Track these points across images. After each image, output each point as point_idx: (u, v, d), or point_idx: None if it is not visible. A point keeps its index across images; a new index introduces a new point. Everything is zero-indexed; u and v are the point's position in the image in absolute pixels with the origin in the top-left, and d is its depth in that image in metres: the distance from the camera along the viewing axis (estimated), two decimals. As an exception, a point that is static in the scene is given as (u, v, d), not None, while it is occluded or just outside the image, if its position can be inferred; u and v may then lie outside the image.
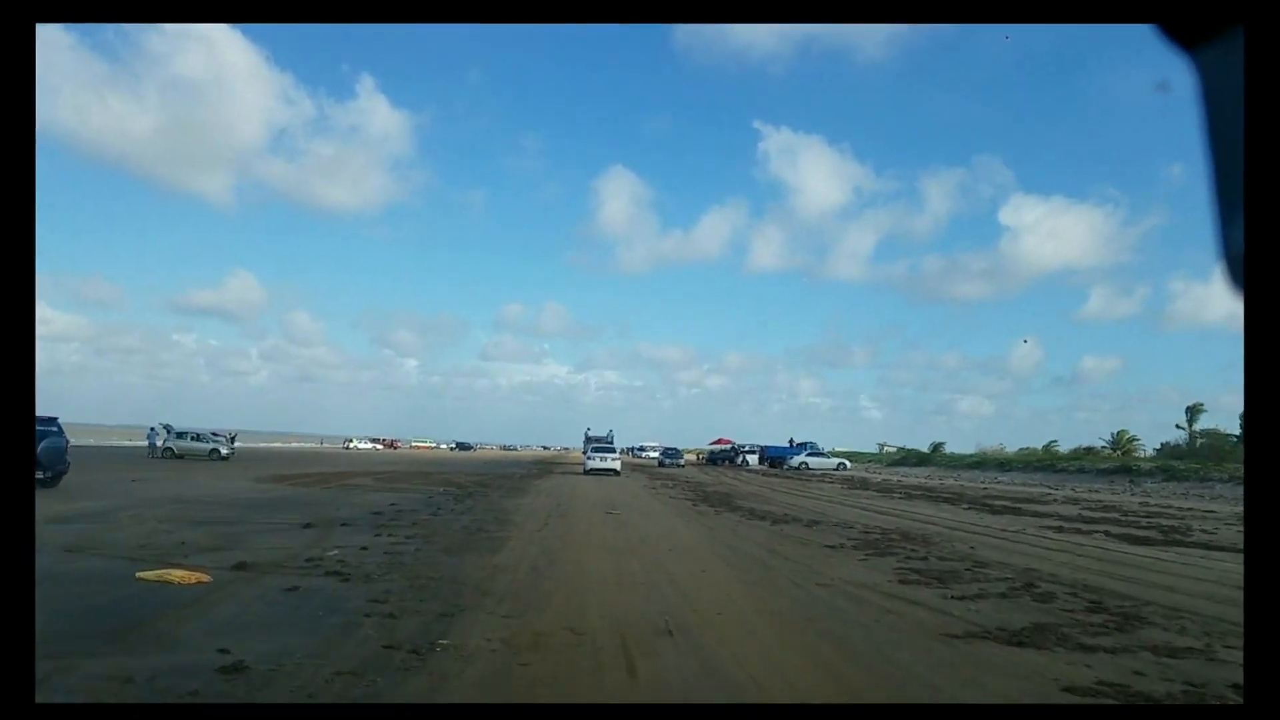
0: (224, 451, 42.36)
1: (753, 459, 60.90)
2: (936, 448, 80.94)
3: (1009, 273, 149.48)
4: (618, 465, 38.48)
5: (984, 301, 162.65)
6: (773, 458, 59.47)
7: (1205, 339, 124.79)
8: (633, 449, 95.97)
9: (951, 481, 43.86)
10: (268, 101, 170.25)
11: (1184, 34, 0.90)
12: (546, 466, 55.70)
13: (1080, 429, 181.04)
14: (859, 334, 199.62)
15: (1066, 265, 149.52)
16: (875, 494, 29.51)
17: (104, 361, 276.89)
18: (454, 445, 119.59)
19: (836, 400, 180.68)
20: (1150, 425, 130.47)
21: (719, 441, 72.83)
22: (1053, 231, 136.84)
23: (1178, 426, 61.42)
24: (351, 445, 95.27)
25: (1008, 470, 52.65)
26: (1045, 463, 51.70)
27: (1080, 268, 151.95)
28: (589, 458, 39.31)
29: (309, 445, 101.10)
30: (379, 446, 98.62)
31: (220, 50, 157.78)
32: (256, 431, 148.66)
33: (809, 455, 57.07)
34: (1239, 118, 0.86)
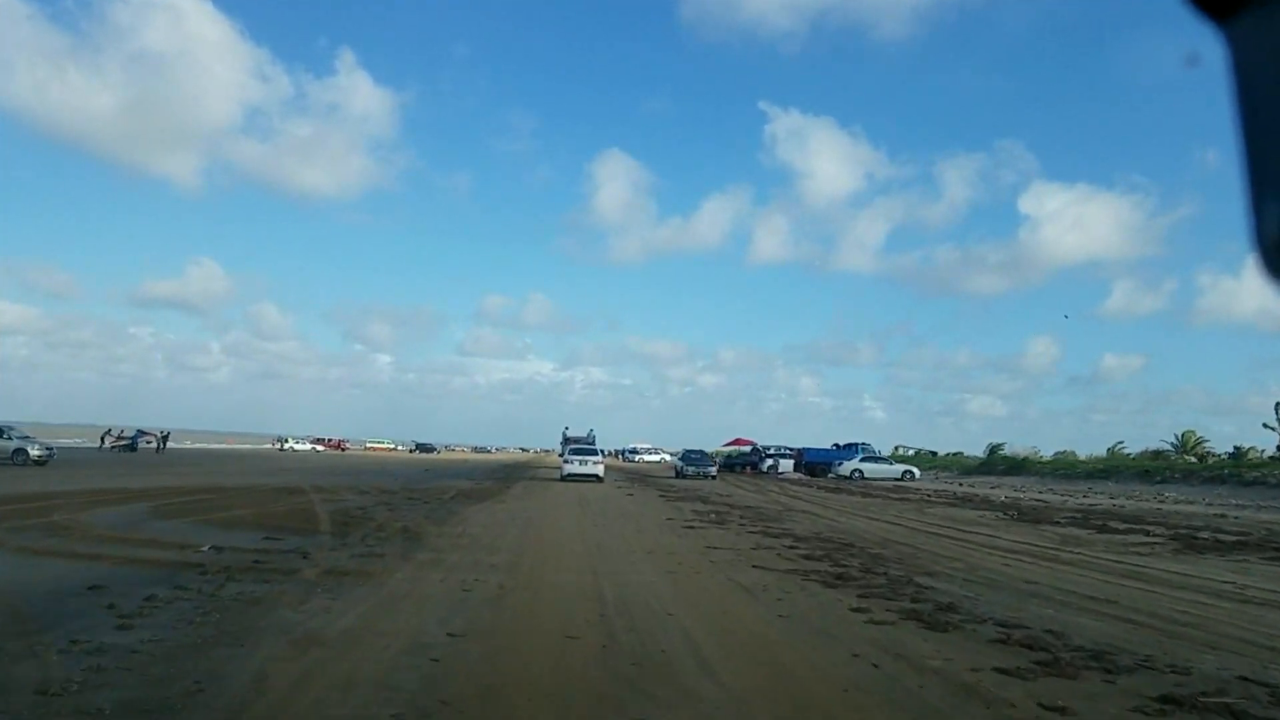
0: (34, 453, 29.15)
1: (787, 465, 47.50)
2: (995, 450, 68.19)
3: (1027, 265, 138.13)
4: (600, 470, 32.00)
5: (999, 296, 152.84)
6: (812, 463, 46.24)
7: (1234, 335, 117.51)
8: (624, 452, 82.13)
9: (1068, 497, 30.63)
10: (240, 77, 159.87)
11: (1215, 4, 0.82)
12: (515, 472, 42.99)
13: (1096, 431, 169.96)
14: (864, 330, 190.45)
15: (1089, 257, 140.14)
16: (1055, 533, 16.17)
17: (56, 356, 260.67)
18: (414, 447, 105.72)
19: (838, 400, 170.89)
20: (1172, 427, 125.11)
21: (737, 442, 59.40)
22: (1076, 221, 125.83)
23: (1266, 427, 51.66)
24: (287, 446, 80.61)
25: (1101, 478, 40.86)
26: (1125, 467, 41.30)
27: (1104, 260, 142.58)
28: (566, 461, 32.91)
29: (254, 446, 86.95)
30: (319, 448, 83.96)
31: (190, 21, 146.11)
32: (216, 432, 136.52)
33: (863, 460, 43.76)
34: (1274, 94, 0.79)
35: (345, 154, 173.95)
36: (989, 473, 48.73)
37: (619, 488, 28.78)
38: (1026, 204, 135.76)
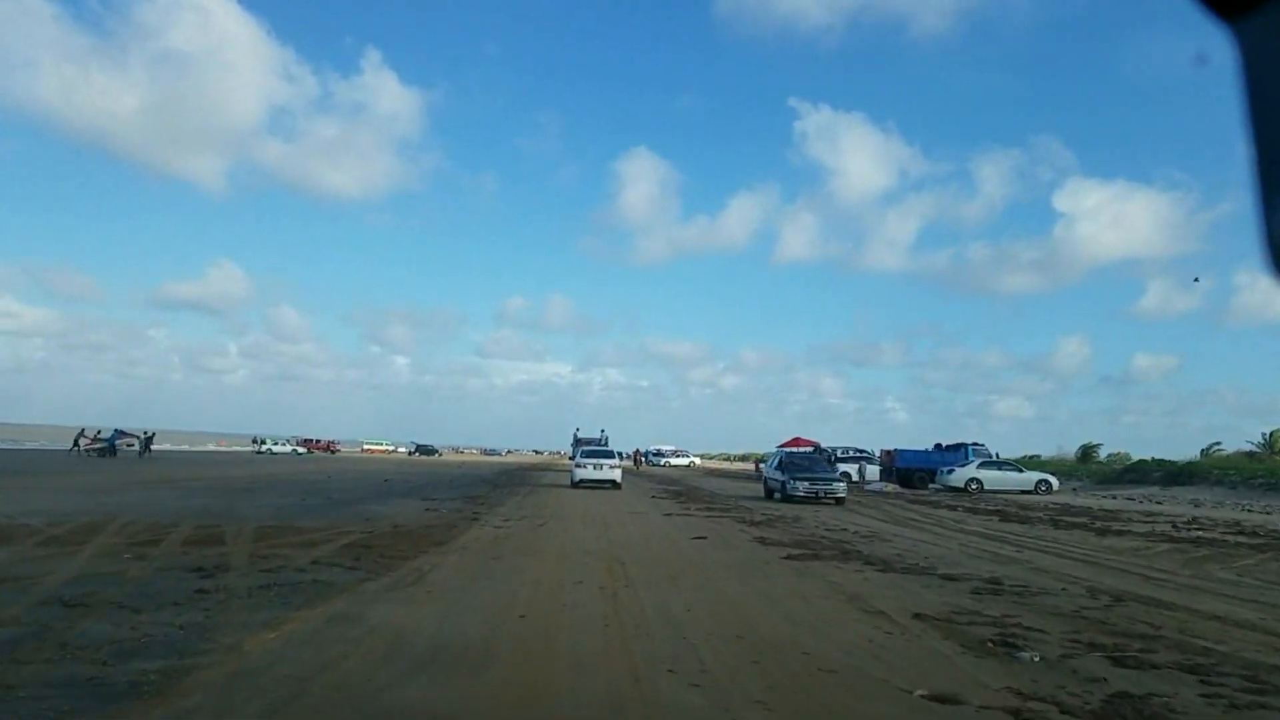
0: None
1: (872, 473, 36.09)
2: (1089, 451, 56.89)
3: (1061, 263, 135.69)
4: (617, 475, 27.87)
5: (1031, 295, 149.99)
6: (908, 470, 34.82)
7: (1270, 334, 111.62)
8: (649, 455, 70.38)
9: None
10: (266, 78, 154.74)
11: (1224, 4, 0.84)
12: (517, 480, 33.14)
13: (1127, 433, 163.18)
14: (891, 329, 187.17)
15: (1125, 255, 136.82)
16: None
17: (73, 359, 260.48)
18: (414, 448, 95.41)
19: (860, 401, 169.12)
20: (1205, 430, 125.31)
21: (795, 442, 47.82)
22: (1113, 218, 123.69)
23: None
24: (265, 448, 71.14)
25: (1264, 489, 30.09)
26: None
27: (1139, 258, 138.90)
28: (579, 465, 28.56)
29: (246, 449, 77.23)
30: (300, 450, 74.16)
31: (216, 21, 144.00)
32: (231, 434, 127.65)
33: (982, 467, 32.25)
34: None
35: (371, 154, 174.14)
36: (1138, 482, 36.90)
37: (671, 517, 17.65)
38: (1062, 201, 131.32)
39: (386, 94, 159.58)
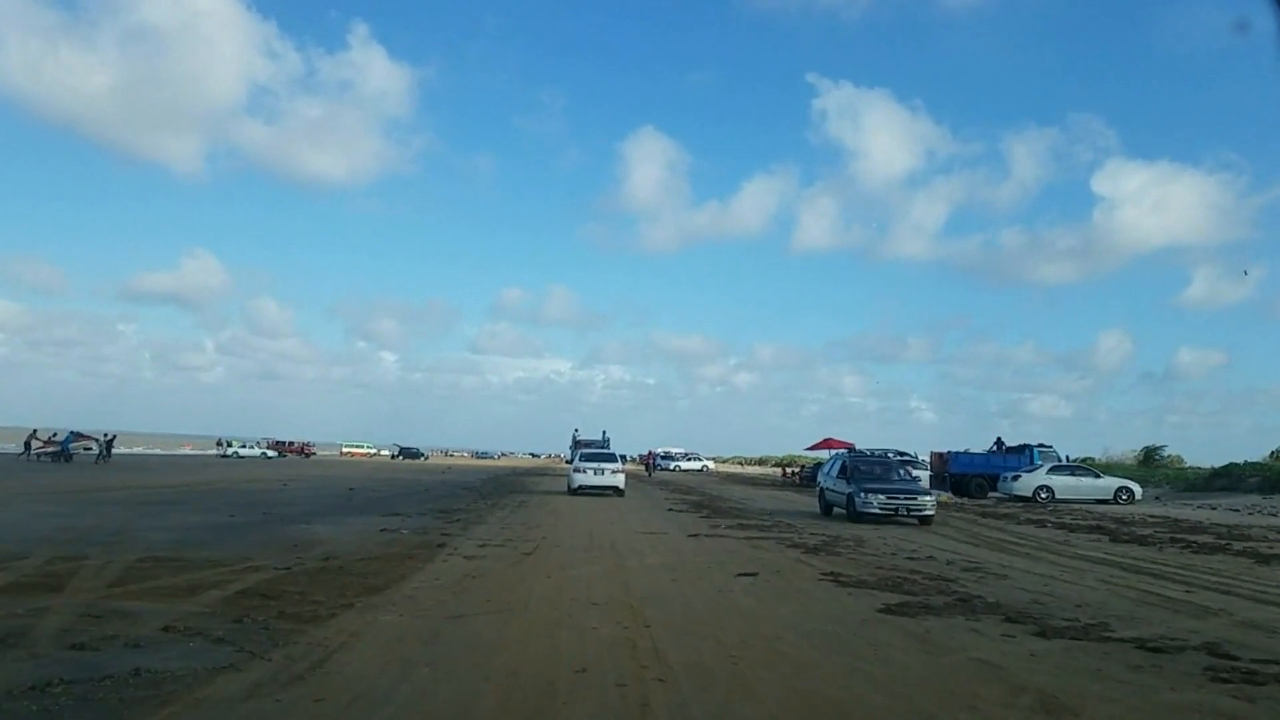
0: None
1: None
2: (1152, 454, 52.95)
3: (1100, 251, 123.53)
4: (620, 481, 25.61)
5: (1068, 285, 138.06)
6: (963, 475, 31.14)
7: None
8: (657, 459, 66.31)
9: None
10: (246, 54, 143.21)
11: None
12: (510, 487, 30.21)
13: (1171, 434, 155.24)
14: (917, 323, 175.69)
15: (1169, 242, 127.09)
16: None
17: (38, 355, 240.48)
18: (397, 451, 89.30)
19: (883, 401, 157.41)
20: (1256, 431, 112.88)
21: (827, 444, 44.20)
22: (1157, 203, 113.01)
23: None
24: (231, 451, 66.03)
25: None
26: None
27: (1185, 245, 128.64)
28: (577, 470, 26.33)
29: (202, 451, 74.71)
30: (270, 453, 68.99)
31: None
32: (206, 436, 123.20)
33: (1052, 472, 28.53)
34: None
35: (358, 136, 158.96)
36: (1229, 489, 32.90)
37: (699, 539, 14.47)
38: (1102, 184, 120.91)
39: (375, 71, 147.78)
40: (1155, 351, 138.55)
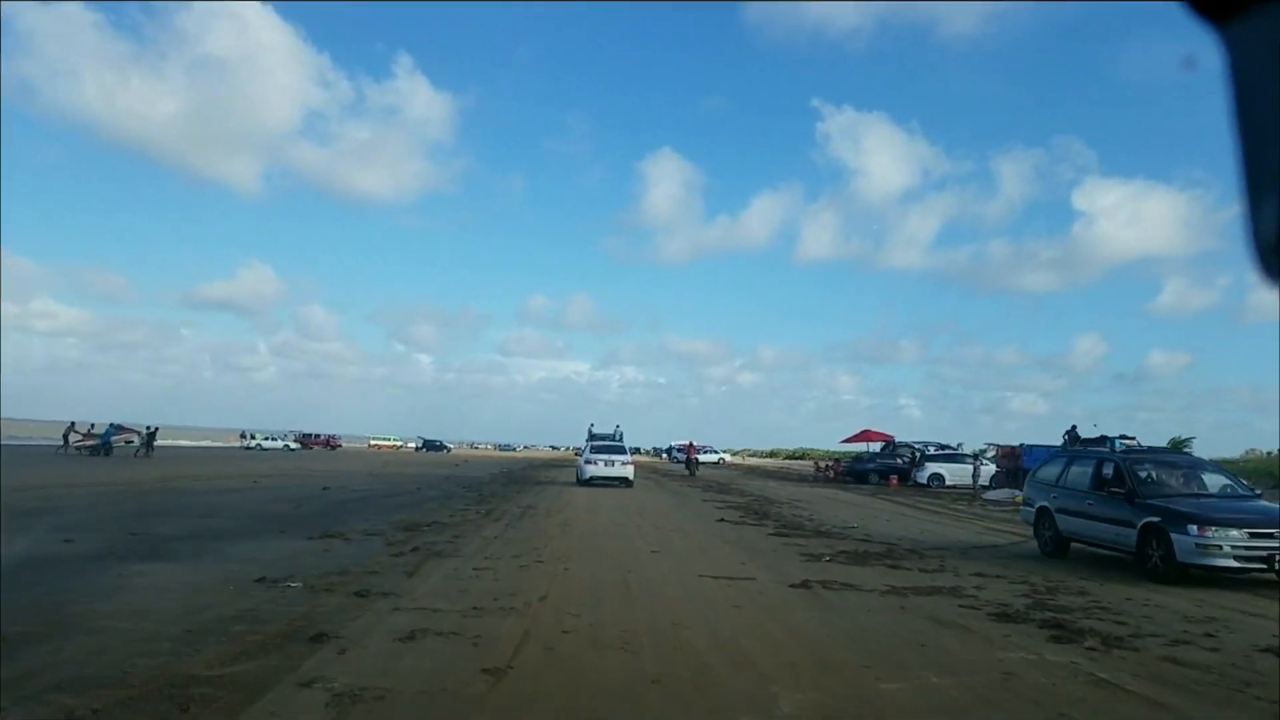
0: None
1: (988, 474, 28.25)
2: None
3: (1080, 261, 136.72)
4: (629, 472, 26.42)
5: (1049, 293, 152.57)
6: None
7: None
8: (671, 451, 63.65)
9: None
10: (302, 83, 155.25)
11: (1212, 7, 0.83)
12: (522, 480, 29.97)
13: (1141, 428, 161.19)
14: (909, 327, 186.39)
15: (1143, 253, 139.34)
16: None
17: (106, 358, 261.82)
18: (420, 444, 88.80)
19: (875, 398, 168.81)
20: (1216, 426, 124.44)
21: (864, 436, 39.95)
22: (1131, 216, 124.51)
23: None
24: (254, 444, 64.42)
25: None
26: None
27: (1157, 256, 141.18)
28: (587, 461, 26.80)
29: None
30: (293, 445, 67.65)
31: (253, 28, 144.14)
32: (257, 431, 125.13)
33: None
34: (1271, 96, 0.78)
35: (402, 157, 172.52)
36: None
37: (781, 567, 10.16)
38: (1081, 199, 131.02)
39: (418, 98, 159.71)
40: (1128, 353, 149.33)
